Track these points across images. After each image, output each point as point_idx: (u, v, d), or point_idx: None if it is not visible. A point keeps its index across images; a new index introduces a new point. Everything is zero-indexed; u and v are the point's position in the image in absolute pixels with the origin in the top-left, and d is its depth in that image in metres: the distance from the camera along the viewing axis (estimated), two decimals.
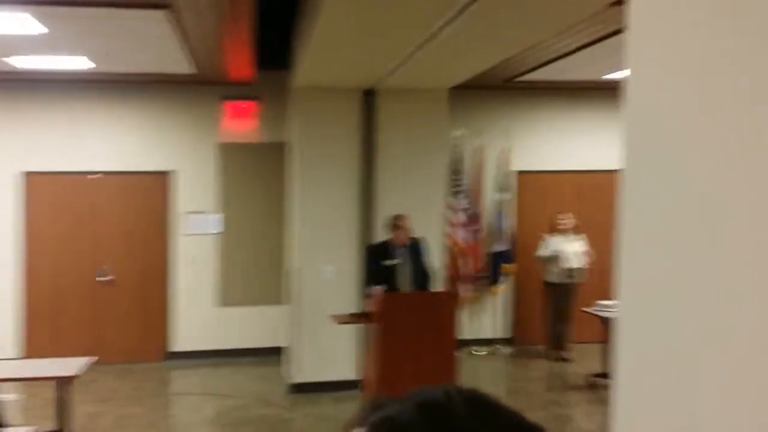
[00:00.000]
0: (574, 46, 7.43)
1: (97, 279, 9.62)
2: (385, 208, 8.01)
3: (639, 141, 1.88)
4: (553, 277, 9.46)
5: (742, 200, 1.46)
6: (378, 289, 6.79)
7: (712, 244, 1.56)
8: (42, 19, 6.12)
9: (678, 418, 1.69)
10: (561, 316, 9.49)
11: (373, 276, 7.19)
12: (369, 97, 8.28)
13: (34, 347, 9.40)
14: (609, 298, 7.78)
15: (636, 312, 1.89)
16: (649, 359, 1.79)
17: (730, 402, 1.49)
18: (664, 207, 1.74)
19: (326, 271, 8.24)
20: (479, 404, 0.81)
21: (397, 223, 7.21)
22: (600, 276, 8.99)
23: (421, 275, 7.42)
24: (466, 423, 0.78)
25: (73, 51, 7.46)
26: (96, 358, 6.28)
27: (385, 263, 7.15)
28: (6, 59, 7.74)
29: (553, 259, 9.39)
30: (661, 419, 1.74)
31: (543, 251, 9.51)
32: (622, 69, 1.98)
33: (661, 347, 1.74)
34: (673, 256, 1.70)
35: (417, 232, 7.36)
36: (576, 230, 9.49)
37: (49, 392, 7.31)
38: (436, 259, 8.00)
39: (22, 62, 7.87)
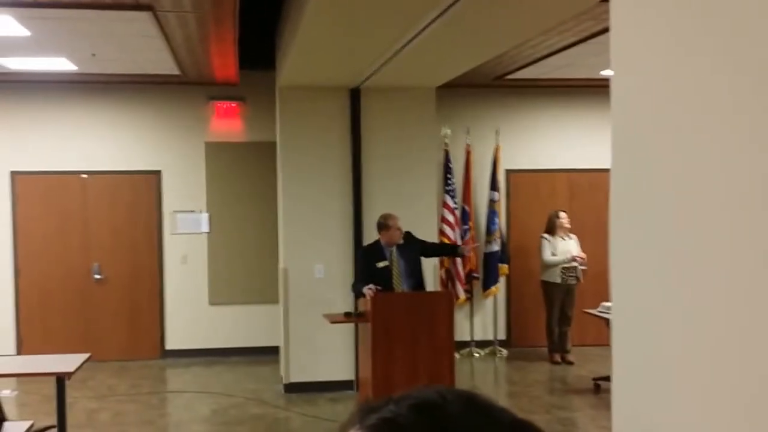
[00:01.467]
0: (564, 43, 7.38)
1: (88, 278, 9.60)
2: (375, 206, 7.91)
3: (625, 140, 1.84)
4: (555, 277, 9.14)
5: (730, 198, 1.43)
6: (371, 289, 6.64)
7: (699, 243, 1.52)
8: (24, 21, 6.05)
9: (674, 417, 1.65)
10: (562, 318, 9.25)
11: (362, 277, 7.06)
12: (355, 95, 8.21)
13: (26, 345, 9.43)
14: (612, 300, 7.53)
15: (630, 312, 1.85)
16: (645, 360, 1.76)
17: (729, 400, 1.45)
18: (652, 206, 1.70)
19: (316, 269, 8.17)
20: (474, 404, 0.81)
21: (386, 222, 7.04)
22: (600, 277, 8.78)
23: (441, 249, 8.09)
24: (464, 422, 0.78)
25: (56, 53, 7.39)
26: (89, 354, 6.21)
27: (378, 265, 7.01)
28: None
29: (559, 260, 9.11)
30: (657, 419, 1.70)
31: (549, 254, 9.12)
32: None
33: (657, 348, 1.70)
34: (662, 255, 1.66)
35: (407, 229, 7.20)
36: (570, 230, 9.30)
37: (44, 388, 7.30)
38: (429, 260, 7.90)
39: (7, 63, 7.80)
